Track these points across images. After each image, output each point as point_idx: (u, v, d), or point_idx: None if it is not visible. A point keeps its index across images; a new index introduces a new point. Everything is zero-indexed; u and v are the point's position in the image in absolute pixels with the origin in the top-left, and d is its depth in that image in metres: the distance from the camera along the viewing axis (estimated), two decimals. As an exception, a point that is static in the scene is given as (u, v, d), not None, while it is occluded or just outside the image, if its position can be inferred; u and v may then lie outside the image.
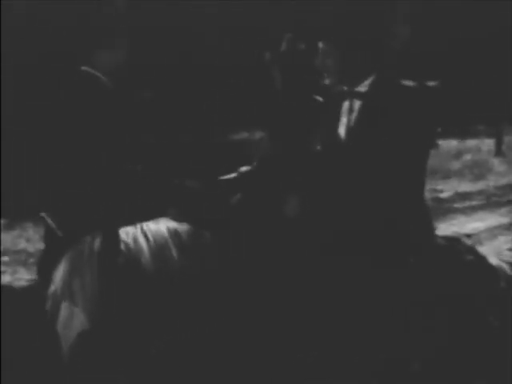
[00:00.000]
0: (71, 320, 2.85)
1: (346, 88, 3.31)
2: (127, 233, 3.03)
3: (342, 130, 3.28)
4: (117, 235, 3.00)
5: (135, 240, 3.00)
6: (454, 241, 3.31)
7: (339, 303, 3.02)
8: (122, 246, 2.96)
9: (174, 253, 2.99)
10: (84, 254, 2.94)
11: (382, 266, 3.03)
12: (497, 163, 12.56)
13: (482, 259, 3.21)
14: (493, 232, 8.36)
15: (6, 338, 2.96)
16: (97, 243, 2.97)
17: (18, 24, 9.30)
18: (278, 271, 3.04)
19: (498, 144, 13.86)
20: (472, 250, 3.24)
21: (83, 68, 3.68)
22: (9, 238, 8.45)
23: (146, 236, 3.01)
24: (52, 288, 2.94)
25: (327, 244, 3.10)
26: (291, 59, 3.99)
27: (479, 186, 11.34)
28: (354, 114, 3.25)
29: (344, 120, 3.27)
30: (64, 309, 2.87)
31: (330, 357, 2.98)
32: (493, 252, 7.22)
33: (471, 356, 3.03)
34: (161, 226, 3.07)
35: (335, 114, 3.31)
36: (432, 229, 3.27)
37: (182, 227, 3.09)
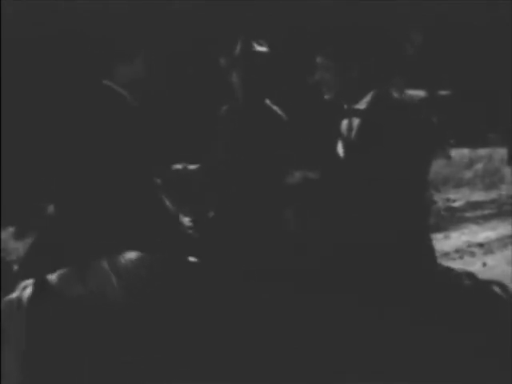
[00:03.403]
0: (9, 368, 2.79)
1: (345, 105, 3.31)
2: (61, 276, 2.89)
3: (340, 149, 3.28)
4: (46, 282, 2.85)
5: (68, 282, 2.85)
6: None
7: (340, 317, 3.03)
8: (55, 291, 2.82)
9: (115, 283, 2.86)
10: (13, 305, 2.82)
11: (382, 282, 3.04)
12: (509, 172, 12.51)
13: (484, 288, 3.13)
14: (504, 241, 8.35)
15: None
16: (26, 291, 2.82)
17: (38, 34, 9.36)
18: (276, 283, 3.05)
19: (511, 153, 13.80)
20: (472, 277, 3.19)
21: (105, 82, 3.66)
22: (21, 247, 8.47)
23: (81, 274, 2.87)
24: None
25: (326, 258, 3.12)
26: (249, 63, 3.71)
27: (491, 195, 11.31)
28: (353, 132, 3.26)
29: (343, 138, 3.28)
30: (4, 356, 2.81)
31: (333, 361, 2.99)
32: (504, 261, 7.21)
33: None
34: (102, 262, 2.92)
35: (333, 132, 3.32)
36: (431, 247, 3.27)
37: (128, 256, 2.95)
